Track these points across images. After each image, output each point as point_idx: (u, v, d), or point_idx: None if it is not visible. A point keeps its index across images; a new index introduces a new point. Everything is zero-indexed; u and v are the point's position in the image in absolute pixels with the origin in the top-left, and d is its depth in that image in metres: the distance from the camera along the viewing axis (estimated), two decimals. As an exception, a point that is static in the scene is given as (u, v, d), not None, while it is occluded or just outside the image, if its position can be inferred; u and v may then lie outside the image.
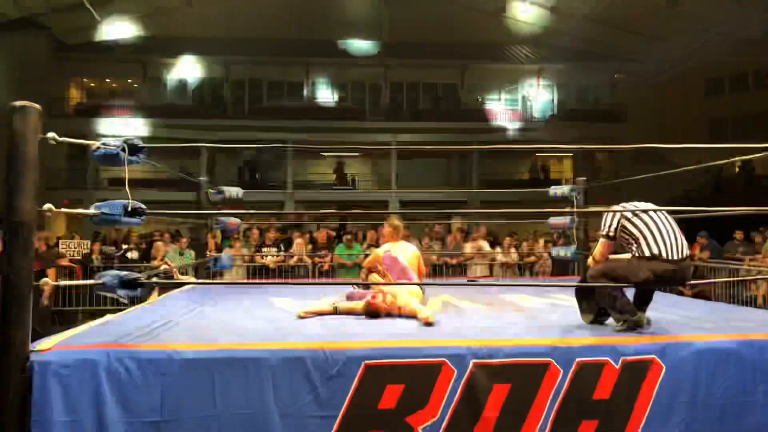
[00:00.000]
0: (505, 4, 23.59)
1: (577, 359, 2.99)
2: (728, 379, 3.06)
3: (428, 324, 3.65)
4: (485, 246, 9.86)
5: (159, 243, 9.13)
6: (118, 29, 23.04)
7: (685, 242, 3.49)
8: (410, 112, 23.74)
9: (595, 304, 3.66)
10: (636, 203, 3.65)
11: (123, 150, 3.28)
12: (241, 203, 10.77)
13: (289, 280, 7.85)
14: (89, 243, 10.54)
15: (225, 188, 6.31)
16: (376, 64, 23.33)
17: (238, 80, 23.67)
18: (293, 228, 11.01)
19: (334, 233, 10.83)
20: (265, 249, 9.33)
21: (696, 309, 4.38)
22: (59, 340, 3.05)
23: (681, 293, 6.42)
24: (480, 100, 25.00)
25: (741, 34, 20.52)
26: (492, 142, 20.84)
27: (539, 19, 24.14)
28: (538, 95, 24.39)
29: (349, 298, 4.57)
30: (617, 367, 3.01)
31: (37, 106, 2.90)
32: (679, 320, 3.80)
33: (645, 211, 3.54)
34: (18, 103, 2.84)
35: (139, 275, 3.33)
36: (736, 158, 4.54)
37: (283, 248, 9.34)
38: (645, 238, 3.44)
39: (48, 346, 2.90)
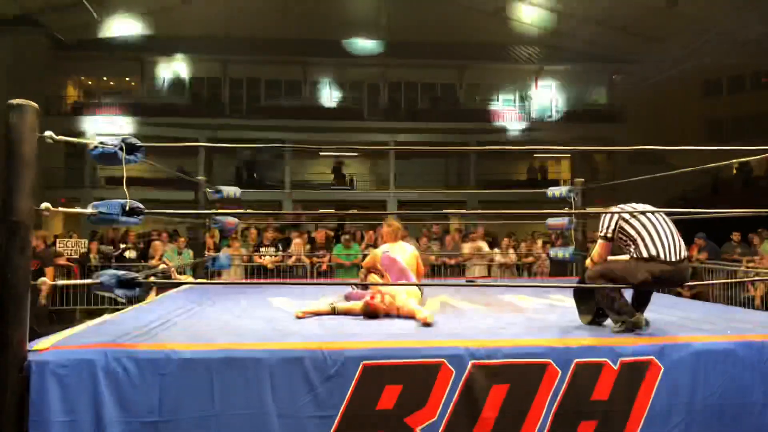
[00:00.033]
0: (505, 5, 23.62)
1: (576, 360, 2.99)
2: (726, 380, 3.07)
3: (427, 324, 3.64)
4: (484, 246, 9.86)
5: (157, 242, 9.12)
6: (116, 28, 23.04)
7: (682, 244, 3.49)
8: (408, 112, 23.73)
9: (594, 305, 3.66)
10: (634, 205, 3.65)
11: (121, 149, 3.27)
12: (239, 203, 10.76)
13: (288, 280, 7.84)
14: (86, 242, 10.52)
15: (223, 188, 6.31)
16: (375, 64, 23.32)
17: (236, 79, 23.64)
18: (291, 228, 10.99)
19: (332, 233, 10.83)
20: (263, 249, 9.31)
21: (694, 310, 4.38)
22: (57, 340, 3.04)
23: (679, 294, 6.42)
24: (478, 100, 25.02)
25: (739, 35, 20.57)
26: (490, 142, 20.89)
27: (538, 19, 24.18)
28: (537, 96, 24.39)
29: (348, 298, 4.57)
30: (615, 368, 3.01)
31: (34, 104, 2.89)
32: (677, 321, 3.80)
33: (643, 213, 3.54)
34: (15, 101, 2.83)
35: (136, 275, 3.32)
36: (734, 161, 4.53)
37: (281, 248, 9.32)
38: (643, 240, 3.44)
39: (46, 346, 2.90)
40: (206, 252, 6.42)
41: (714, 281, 8.87)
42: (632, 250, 3.49)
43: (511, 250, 9.84)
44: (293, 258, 9.00)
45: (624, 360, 3.02)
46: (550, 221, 6.73)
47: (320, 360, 2.90)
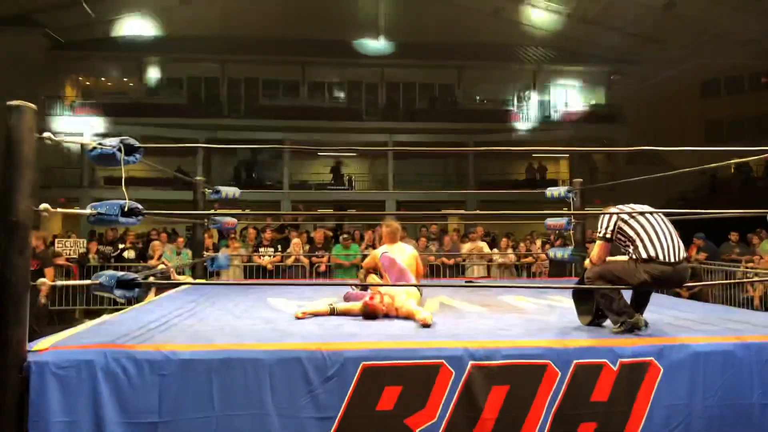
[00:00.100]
0: (503, 6, 23.64)
1: (575, 361, 3.00)
2: (725, 381, 3.07)
3: (426, 325, 3.64)
4: (484, 246, 9.87)
5: (156, 242, 9.10)
6: (115, 27, 23.02)
7: (681, 244, 3.50)
8: (407, 112, 23.73)
9: (593, 306, 3.66)
10: (633, 205, 3.66)
11: (119, 150, 3.27)
12: (238, 203, 10.76)
13: (287, 281, 7.83)
14: (85, 242, 10.51)
15: (222, 188, 6.30)
16: (373, 64, 23.32)
17: (234, 79, 23.62)
18: (290, 228, 10.97)
19: (330, 233, 10.82)
20: (261, 249, 9.31)
21: (693, 311, 4.39)
22: (56, 341, 3.04)
23: (678, 295, 6.43)
24: (477, 100, 25.02)
25: (737, 36, 20.61)
26: (489, 142, 20.90)
27: (537, 20, 24.20)
28: (535, 96, 24.40)
29: (347, 299, 4.57)
30: (615, 369, 3.01)
31: (33, 105, 2.89)
32: (677, 322, 3.80)
33: (642, 214, 3.55)
34: (13, 102, 2.83)
35: (135, 275, 3.32)
36: (733, 161, 4.54)
37: (280, 248, 9.31)
38: (642, 240, 3.45)
39: (45, 346, 2.90)
40: (205, 252, 6.42)
41: (713, 282, 8.88)
42: (631, 250, 3.49)
43: (510, 251, 9.83)
44: (292, 258, 8.98)
45: (623, 361, 3.03)
46: (549, 221, 6.73)
47: (320, 361, 2.90)
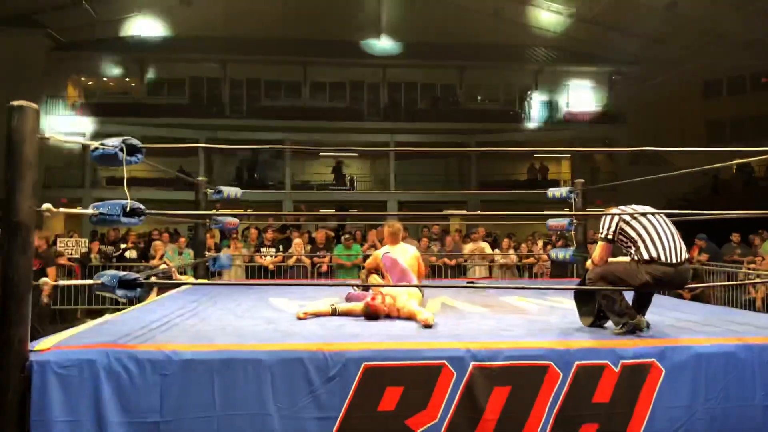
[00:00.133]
0: (504, 6, 23.62)
1: (577, 362, 2.99)
2: (728, 382, 3.07)
3: (427, 326, 3.65)
4: (485, 247, 9.86)
5: (158, 242, 9.11)
6: (116, 28, 23.04)
7: (683, 245, 3.50)
8: (408, 112, 23.74)
9: (595, 307, 3.66)
10: (634, 206, 3.66)
11: (121, 150, 3.28)
12: (240, 203, 10.76)
13: (288, 281, 7.83)
14: (87, 242, 10.52)
15: (223, 188, 6.31)
16: (375, 65, 23.32)
17: (236, 80, 23.64)
18: (292, 228, 10.98)
19: (332, 234, 10.83)
20: (263, 249, 9.31)
21: (695, 312, 4.38)
22: (59, 340, 3.05)
23: (680, 296, 6.42)
24: (478, 100, 25.02)
25: (739, 36, 20.58)
26: (490, 143, 20.90)
27: (538, 21, 24.20)
28: (537, 96, 24.39)
29: (349, 299, 4.57)
30: (617, 370, 3.01)
31: (35, 105, 2.90)
32: (678, 323, 3.80)
33: (643, 215, 3.55)
34: (16, 102, 2.84)
35: (137, 275, 3.32)
36: (734, 162, 4.54)
37: (282, 248, 9.32)
38: (643, 242, 3.45)
39: (47, 346, 2.90)
40: (207, 252, 6.42)
41: (715, 284, 8.86)
42: (633, 251, 3.49)
43: (511, 251, 9.83)
44: (294, 258, 8.98)
45: (625, 362, 3.02)
46: (551, 222, 6.73)
47: (321, 361, 2.91)
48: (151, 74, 23.34)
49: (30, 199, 2.84)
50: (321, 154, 23.62)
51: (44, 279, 3.28)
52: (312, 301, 4.58)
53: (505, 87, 24.81)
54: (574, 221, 6.39)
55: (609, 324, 3.59)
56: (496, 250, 10.08)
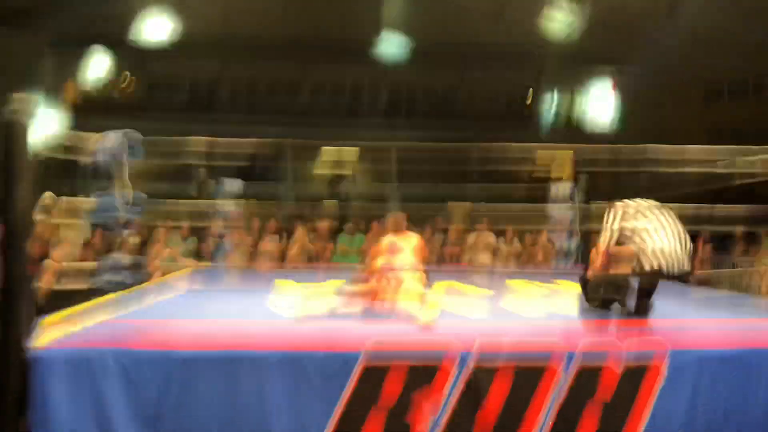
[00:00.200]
0: (506, 7, 23.62)
1: (578, 361, 2.99)
2: (729, 386, 3.05)
3: (428, 328, 3.63)
4: (490, 237, 9.89)
5: (161, 229, 9.07)
6: (115, 26, 23.03)
7: (688, 246, 3.46)
8: (409, 112, 23.69)
9: (600, 291, 3.65)
10: (638, 200, 3.64)
11: (122, 146, 3.29)
12: (241, 197, 10.71)
13: (291, 270, 7.84)
14: (89, 232, 10.47)
15: (225, 180, 6.32)
16: (375, 64, 23.28)
17: (235, 79, 23.59)
18: (294, 218, 10.95)
19: (335, 224, 10.78)
20: (266, 239, 9.29)
21: (698, 297, 4.38)
22: (60, 337, 3.04)
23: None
24: (480, 100, 25.00)
25: (741, 40, 20.60)
26: (491, 141, 20.83)
27: (540, 22, 24.18)
28: (538, 96, 24.38)
29: (353, 282, 4.57)
30: (618, 370, 3.00)
31: (34, 102, 2.92)
32: (682, 315, 3.79)
33: (645, 214, 3.53)
34: (15, 99, 2.85)
35: (140, 261, 3.34)
36: (736, 162, 4.53)
37: (285, 237, 9.31)
38: (645, 253, 3.43)
39: (48, 341, 2.90)
40: (209, 243, 6.42)
41: (717, 285, 8.87)
42: (634, 263, 3.47)
43: (515, 239, 9.86)
44: (296, 247, 8.97)
45: (627, 362, 3.02)
46: (554, 213, 6.72)
47: (320, 359, 2.91)
48: (150, 73, 23.30)
49: (29, 195, 2.87)
50: (321, 153, 23.57)
51: (48, 261, 3.28)
52: (315, 288, 4.58)
53: (506, 88, 24.77)
54: (576, 220, 6.38)
55: (615, 307, 3.58)
56: (501, 238, 10.11)
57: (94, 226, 11.02)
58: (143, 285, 5.08)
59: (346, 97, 24.23)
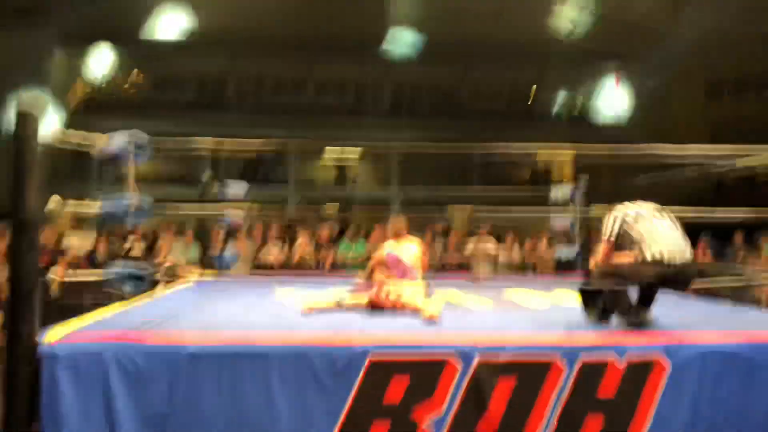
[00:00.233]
0: (507, 4, 23.53)
1: (582, 358, 3.00)
2: (733, 381, 3.06)
3: (433, 321, 3.67)
4: (490, 244, 9.88)
5: (165, 237, 9.11)
6: (122, 24, 23.05)
7: (688, 244, 3.50)
8: (412, 110, 23.69)
9: (599, 304, 3.67)
10: (639, 202, 3.67)
11: (128, 147, 3.31)
12: (245, 199, 10.74)
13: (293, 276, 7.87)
14: (95, 237, 10.52)
15: (229, 183, 6.35)
16: (378, 63, 23.27)
17: (241, 76, 23.63)
18: (296, 222, 10.98)
19: (336, 230, 10.81)
20: (269, 244, 9.32)
21: (700, 308, 4.39)
22: (68, 333, 3.08)
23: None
24: (481, 100, 24.96)
25: (744, 37, 20.50)
26: (493, 141, 20.78)
27: (543, 19, 24.10)
28: (540, 95, 24.34)
29: (354, 292, 4.60)
30: (621, 366, 3.02)
31: (42, 102, 2.95)
32: (683, 320, 3.80)
33: (647, 214, 3.57)
34: (23, 98, 2.87)
35: (144, 269, 3.36)
36: (736, 161, 4.54)
37: (287, 241, 9.34)
38: (646, 243, 3.45)
39: (56, 339, 2.94)
40: (213, 248, 6.46)
41: (718, 285, 8.84)
42: (636, 250, 3.50)
43: (516, 246, 9.84)
44: (298, 254, 9.00)
45: (630, 359, 3.03)
46: (554, 221, 6.74)
47: (327, 355, 2.93)
48: (156, 71, 23.35)
49: (37, 197, 2.88)
50: (325, 152, 23.60)
51: (53, 269, 3.32)
52: (317, 295, 4.61)
53: (509, 86, 24.73)
54: (577, 220, 6.39)
55: (614, 321, 3.60)
56: (501, 245, 10.11)
57: (100, 232, 11.10)
58: (149, 293, 5.14)
59: (351, 95, 24.26)
